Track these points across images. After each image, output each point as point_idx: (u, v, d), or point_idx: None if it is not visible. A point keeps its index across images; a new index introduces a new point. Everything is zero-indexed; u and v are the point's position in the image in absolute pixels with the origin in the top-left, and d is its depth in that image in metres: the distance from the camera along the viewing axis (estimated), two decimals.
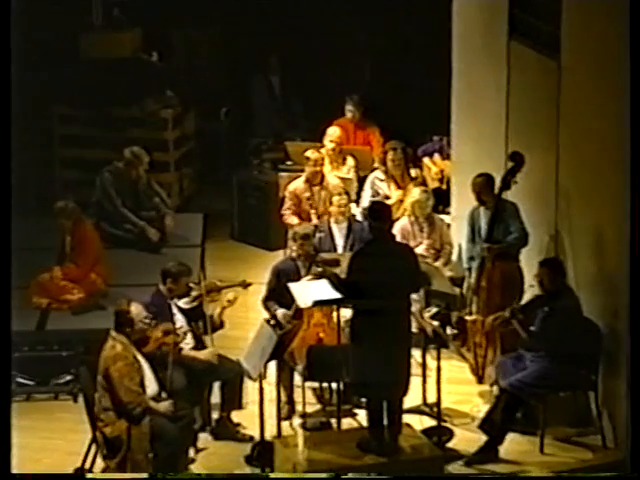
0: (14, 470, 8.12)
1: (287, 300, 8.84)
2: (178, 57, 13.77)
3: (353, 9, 13.19)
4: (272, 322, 8.83)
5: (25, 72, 12.27)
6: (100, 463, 7.93)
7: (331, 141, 11.32)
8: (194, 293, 8.71)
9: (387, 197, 10.80)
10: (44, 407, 9.13)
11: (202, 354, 8.53)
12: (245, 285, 9.03)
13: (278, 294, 9.06)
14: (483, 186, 9.33)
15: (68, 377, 9.23)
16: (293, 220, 10.69)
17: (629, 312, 7.65)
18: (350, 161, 11.56)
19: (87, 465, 7.92)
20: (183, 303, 8.69)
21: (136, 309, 8.08)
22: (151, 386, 8.01)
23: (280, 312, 9.02)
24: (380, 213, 8.18)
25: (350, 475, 7.87)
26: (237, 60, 13.66)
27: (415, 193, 10.24)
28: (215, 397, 8.70)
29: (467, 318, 9.34)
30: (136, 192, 10.98)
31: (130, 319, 8.01)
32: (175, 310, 8.67)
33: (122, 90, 12.50)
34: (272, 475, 7.99)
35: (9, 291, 6.54)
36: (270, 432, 8.24)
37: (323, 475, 7.82)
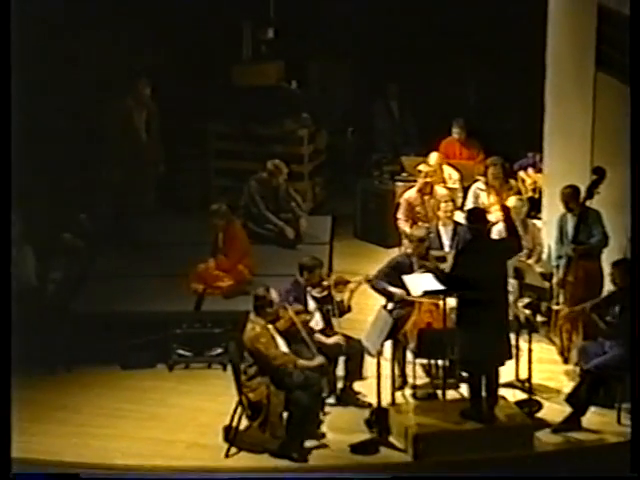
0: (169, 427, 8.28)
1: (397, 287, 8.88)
2: (313, 85, 13.87)
3: (456, 44, 13.16)
4: (386, 303, 8.84)
5: (185, 96, 12.60)
6: (245, 422, 8.04)
7: (429, 164, 11.15)
8: (325, 283, 8.77)
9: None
10: (199, 374, 9.28)
11: (329, 340, 8.55)
12: (368, 280, 9.04)
13: (390, 282, 9.01)
14: (570, 196, 9.24)
15: (219, 350, 9.34)
16: (405, 227, 10.68)
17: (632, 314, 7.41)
18: (455, 174, 11.53)
19: (234, 424, 8.03)
20: (315, 292, 8.75)
21: (272, 293, 8.18)
22: None
23: (397, 290, 8.94)
24: (477, 217, 8.20)
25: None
26: (361, 87, 13.69)
27: (511, 201, 10.17)
28: (340, 370, 8.75)
29: (555, 308, 9.26)
30: (276, 197, 11.10)
31: (267, 302, 8.11)
32: (309, 297, 8.75)
33: (266, 112, 12.60)
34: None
35: (9, 290, 6.22)
36: (385, 400, 8.26)
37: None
